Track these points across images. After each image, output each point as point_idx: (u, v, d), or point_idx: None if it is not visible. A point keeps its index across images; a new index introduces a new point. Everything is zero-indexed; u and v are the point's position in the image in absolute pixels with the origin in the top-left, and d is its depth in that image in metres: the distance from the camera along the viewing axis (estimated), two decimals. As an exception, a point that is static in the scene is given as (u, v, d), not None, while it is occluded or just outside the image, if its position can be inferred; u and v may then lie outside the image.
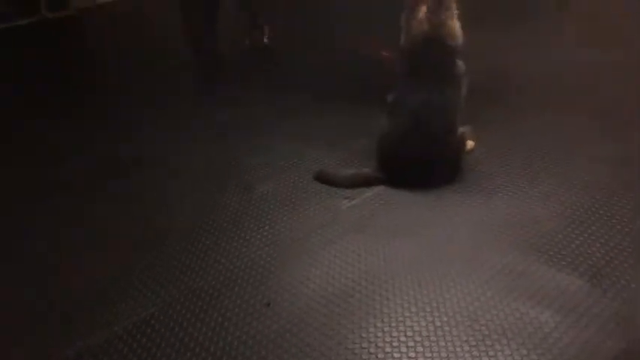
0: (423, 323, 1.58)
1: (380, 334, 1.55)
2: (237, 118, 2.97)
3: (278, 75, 3.54)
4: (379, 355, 1.48)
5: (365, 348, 1.51)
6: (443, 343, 1.51)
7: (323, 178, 2.32)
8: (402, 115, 2.22)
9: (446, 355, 1.47)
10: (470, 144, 2.38)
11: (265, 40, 3.72)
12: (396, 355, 1.48)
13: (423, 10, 2.18)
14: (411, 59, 2.25)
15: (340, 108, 2.97)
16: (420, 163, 2.20)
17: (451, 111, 2.20)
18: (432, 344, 1.51)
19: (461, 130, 2.24)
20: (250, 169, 2.45)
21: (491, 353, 1.48)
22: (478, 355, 1.47)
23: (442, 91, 2.17)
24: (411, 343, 1.52)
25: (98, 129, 2.97)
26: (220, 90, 3.40)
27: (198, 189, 2.33)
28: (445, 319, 1.59)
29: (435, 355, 1.48)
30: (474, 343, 1.51)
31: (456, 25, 2.19)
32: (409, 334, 1.55)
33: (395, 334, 1.55)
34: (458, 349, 1.49)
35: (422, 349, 1.49)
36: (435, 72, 2.19)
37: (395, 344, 1.52)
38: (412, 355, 1.48)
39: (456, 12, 2.19)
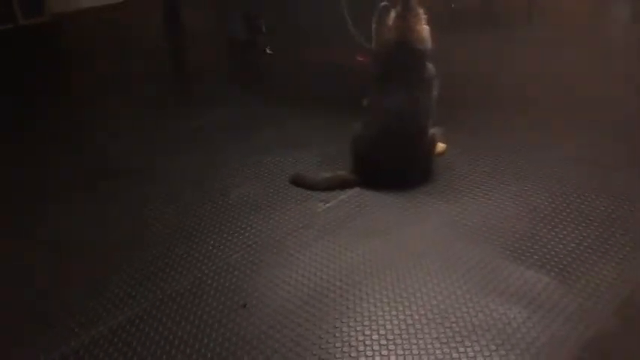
0: (395, 321, 1.61)
1: (353, 333, 1.58)
2: (213, 123, 3.00)
3: (255, 82, 3.57)
4: (352, 354, 1.51)
5: (338, 347, 1.54)
6: (414, 341, 1.54)
7: (299, 182, 2.35)
8: (375, 118, 2.27)
9: (417, 352, 1.51)
10: (441, 146, 2.43)
11: (268, 50, 3.68)
12: (368, 353, 1.52)
13: (392, 16, 2.23)
14: (383, 63, 2.29)
15: (316, 113, 3.02)
16: (393, 165, 2.25)
17: (422, 113, 2.25)
18: (404, 342, 1.54)
19: (432, 131, 2.29)
20: (226, 174, 2.48)
21: (461, 349, 1.52)
22: (449, 351, 1.51)
23: (413, 94, 2.22)
24: (383, 341, 1.55)
25: (74, 136, 2.97)
26: (197, 95, 3.42)
27: (174, 194, 2.35)
28: (417, 316, 1.62)
29: (406, 352, 1.51)
30: (444, 339, 1.55)
31: (424, 30, 2.24)
32: (382, 332, 1.58)
33: (368, 332, 1.58)
34: (429, 346, 1.52)
35: (394, 347, 1.53)
36: (406, 75, 2.24)
37: (368, 342, 1.55)
38: (384, 352, 1.51)
39: (424, 17, 2.24)
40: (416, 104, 2.22)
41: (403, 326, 1.59)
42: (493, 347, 1.52)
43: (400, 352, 1.51)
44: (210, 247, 1.99)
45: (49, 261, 1.99)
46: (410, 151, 2.24)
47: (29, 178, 2.57)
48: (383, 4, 2.27)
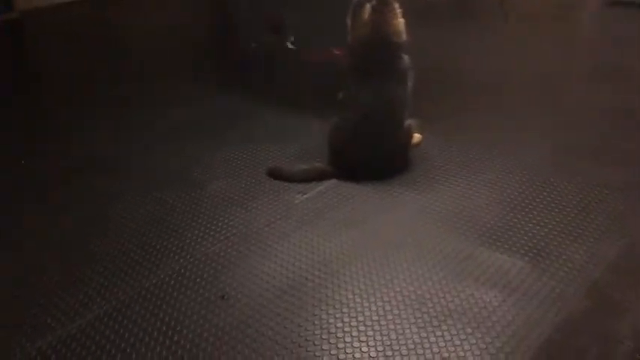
0: (374, 308, 1.63)
1: (332, 321, 1.59)
2: (190, 117, 2.99)
3: (232, 77, 3.56)
4: (331, 340, 1.53)
5: (317, 334, 1.55)
6: (392, 326, 1.56)
7: (276, 174, 2.35)
8: (351, 111, 2.28)
9: (395, 337, 1.53)
10: (417, 137, 2.46)
11: (289, 44, 3.51)
12: (347, 339, 1.53)
13: (367, 10, 2.24)
14: (358, 57, 2.31)
15: (292, 108, 3.02)
16: (370, 156, 2.27)
17: (398, 105, 2.27)
18: (382, 327, 1.56)
19: (408, 122, 2.31)
20: (202, 167, 2.46)
21: (438, 333, 1.54)
22: (426, 335, 1.54)
23: (389, 85, 2.24)
24: (362, 328, 1.57)
25: (46, 133, 2.93)
26: (173, 90, 3.39)
27: (150, 188, 2.33)
28: (394, 303, 1.65)
29: (384, 337, 1.53)
30: (422, 324, 1.57)
31: (399, 23, 2.26)
32: (360, 318, 1.60)
33: (346, 319, 1.60)
34: (407, 331, 1.55)
35: (372, 333, 1.55)
36: (382, 68, 2.26)
37: (346, 329, 1.56)
38: (363, 338, 1.53)
39: (399, 11, 2.26)
40: (392, 96, 2.24)
41: (381, 312, 1.61)
42: (469, 330, 1.55)
43: (378, 337, 1.53)
44: (188, 240, 1.99)
45: (25, 256, 1.96)
46: (386, 143, 2.27)
47: (2, 175, 2.52)
48: None
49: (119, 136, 2.83)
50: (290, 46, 3.53)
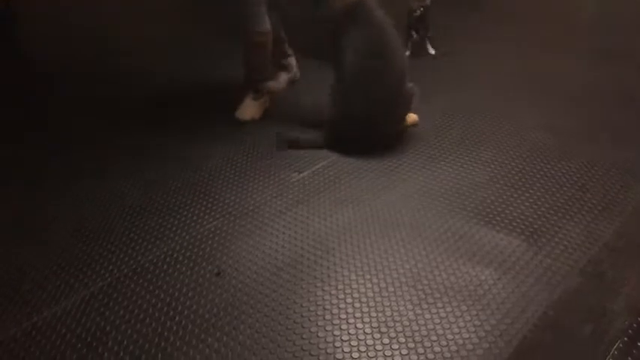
0: (369, 285, 1.63)
1: (327, 298, 1.59)
2: (179, 100, 2.95)
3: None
4: (326, 317, 1.53)
5: (312, 311, 1.55)
6: (387, 303, 1.56)
7: (290, 143, 2.37)
8: (349, 75, 2.26)
9: (390, 314, 1.53)
10: (413, 117, 2.45)
11: (431, 50, 3.38)
12: (342, 316, 1.53)
13: None
14: (345, 23, 2.26)
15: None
16: (373, 119, 2.26)
17: (398, 65, 2.28)
18: (377, 304, 1.56)
19: (409, 85, 2.31)
20: (198, 147, 2.45)
21: (433, 310, 1.54)
22: (421, 312, 1.54)
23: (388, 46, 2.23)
24: (357, 304, 1.57)
25: (32, 110, 2.90)
26: (159, 71, 3.34)
27: (143, 168, 2.31)
28: (390, 280, 1.65)
29: (379, 314, 1.53)
30: (416, 301, 1.57)
31: None
32: (355, 295, 1.60)
33: (342, 296, 1.60)
34: (401, 308, 1.55)
35: (367, 309, 1.55)
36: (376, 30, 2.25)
37: (342, 306, 1.56)
38: (358, 315, 1.53)
39: None
40: (391, 57, 2.24)
41: (376, 289, 1.61)
42: (464, 308, 1.55)
43: (373, 313, 1.53)
44: (184, 219, 1.98)
45: (17, 238, 1.95)
46: (389, 105, 2.27)
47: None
48: None
49: (106, 115, 2.80)
50: (431, 51, 3.38)
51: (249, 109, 2.66)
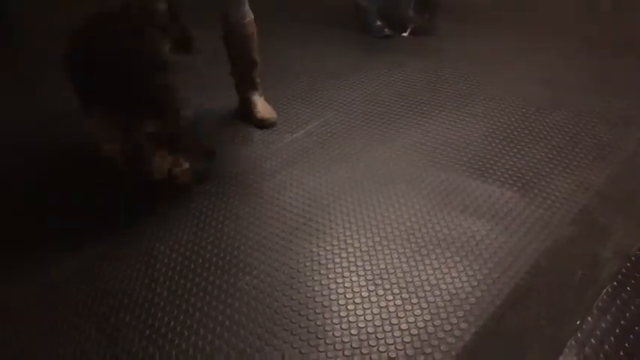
0: (363, 240, 1.65)
1: (322, 253, 1.62)
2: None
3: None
4: (322, 271, 1.55)
5: (308, 266, 1.57)
6: (381, 256, 1.59)
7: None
8: None
9: (384, 266, 1.55)
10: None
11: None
12: (337, 270, 1.56)
13: None
14: None
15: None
16: None
17: None
18: (372, 258, 1.59)
19: None
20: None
21: (427, 262, 1.57)
22: (415, 264, 1.56)
23: None
24: (351, 259, 1.59)
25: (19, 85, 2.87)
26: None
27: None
28: (383, 234, 1.67)
29: (374, 267, 1.56)
30: (410, 254, 1.59)
31: None
32: (350, 250, 1.62)
33: (336, 251, 1.62)
34: (395, 260, 1.57)
35: (362, 263, 1.57)
36: None
37: (337, 260, 1.59)
38: (353, 268, 1.56)
39: None
40: None
41: (370, 244, 1.64)
42: (457, 259, 1.57)
43: (368, 267, 1.56)
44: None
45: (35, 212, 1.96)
46: None
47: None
48: None
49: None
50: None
51: (267, 107, 2.34)
